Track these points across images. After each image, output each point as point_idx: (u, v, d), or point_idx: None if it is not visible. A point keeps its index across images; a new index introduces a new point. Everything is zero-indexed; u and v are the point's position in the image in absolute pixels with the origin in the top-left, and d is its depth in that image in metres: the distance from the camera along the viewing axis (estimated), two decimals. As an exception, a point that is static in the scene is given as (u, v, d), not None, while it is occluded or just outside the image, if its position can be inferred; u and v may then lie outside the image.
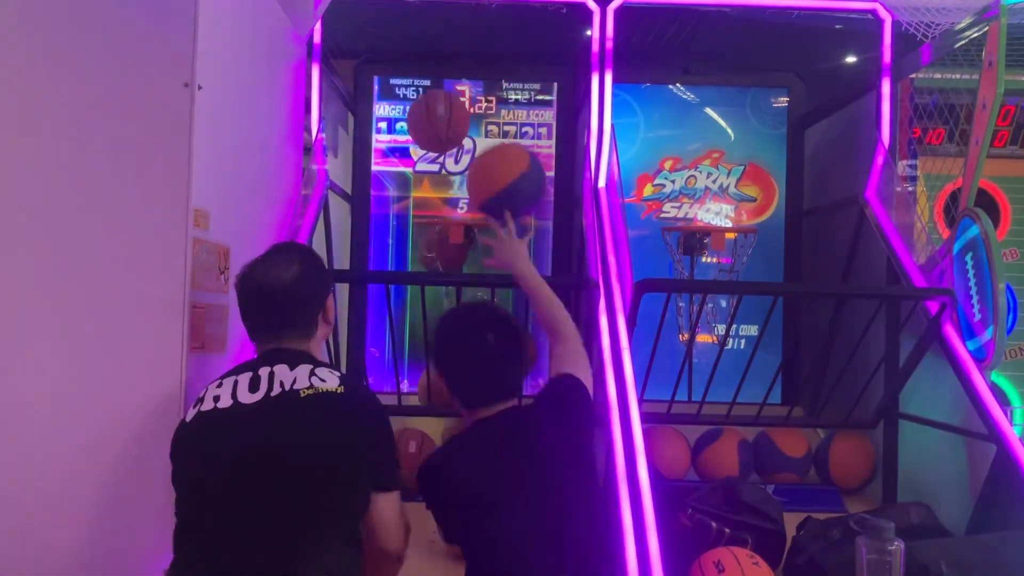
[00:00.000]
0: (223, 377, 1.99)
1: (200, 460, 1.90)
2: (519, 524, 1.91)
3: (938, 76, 3.72)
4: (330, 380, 1.94)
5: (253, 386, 1.92)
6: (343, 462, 1.88)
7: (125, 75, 2.23)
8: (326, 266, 3.79)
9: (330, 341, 3.45)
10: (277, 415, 1.88)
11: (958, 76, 3.55)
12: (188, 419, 1.95)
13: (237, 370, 1.99)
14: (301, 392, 1.90)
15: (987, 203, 4.63)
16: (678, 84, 4.77)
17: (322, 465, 1.86)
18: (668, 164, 4.73)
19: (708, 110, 4.77)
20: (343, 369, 4.05)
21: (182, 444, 1.94)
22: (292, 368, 1.95)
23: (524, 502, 1.93)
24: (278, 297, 2.01)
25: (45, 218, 2.22)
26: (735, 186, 4.72)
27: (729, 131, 4.75)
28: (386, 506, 1.94)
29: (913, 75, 3.75)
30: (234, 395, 1.92)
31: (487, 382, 2.07)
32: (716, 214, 4.71)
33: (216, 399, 1.92)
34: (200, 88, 2.25)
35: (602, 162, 3.74)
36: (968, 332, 3.07)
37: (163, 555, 2.00)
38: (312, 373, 1.94)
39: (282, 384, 1.91)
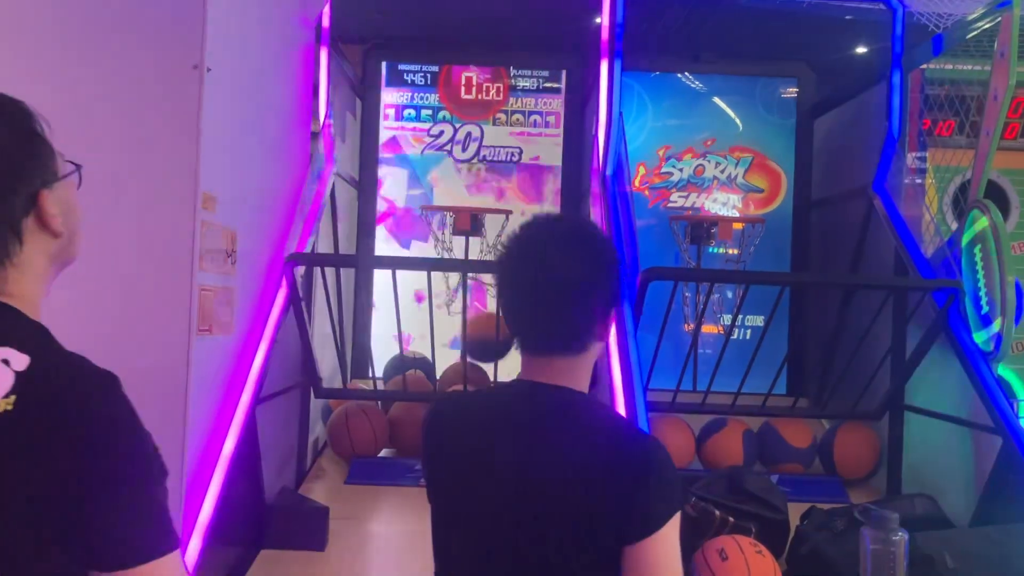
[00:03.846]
0: None
1: None
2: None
3: (949, 67, 3.70)
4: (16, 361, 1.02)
5: None
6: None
7: (134, 56, 2.22)
8: (330, 252, 3.77)
9: (335, 330, 3.43)
10: None
11: (969, 67, 3.53)
12: None
13: None
14: None
15: (997, 195, 4.61)
16: (687, 73, 4.75)
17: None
18: (676, 153, 4.71)
19: (716, 99, 4.75)
20: (348, 359, 3.98)
21: None
22: None
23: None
24: None
25: (53, 199, 2.21)
26: (743, 176, 4.70)
27: (738, 121, 4.73)
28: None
29: (924, 66, 3.73)
30: None
31: (542, 319, 1.49)
32: (724, 204, 4.70)
33: None
34: (209, 70, 2.24)
35: (610, 150, 3.72)
36: (975, 324, 3.06)
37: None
38: None
39: None
